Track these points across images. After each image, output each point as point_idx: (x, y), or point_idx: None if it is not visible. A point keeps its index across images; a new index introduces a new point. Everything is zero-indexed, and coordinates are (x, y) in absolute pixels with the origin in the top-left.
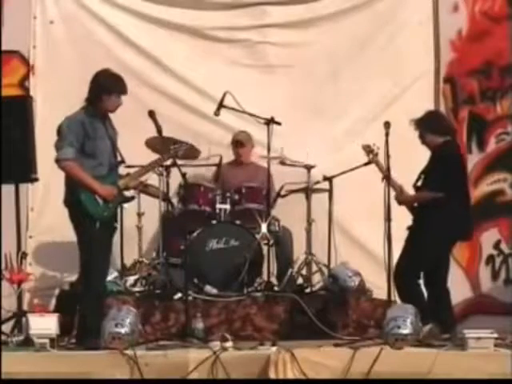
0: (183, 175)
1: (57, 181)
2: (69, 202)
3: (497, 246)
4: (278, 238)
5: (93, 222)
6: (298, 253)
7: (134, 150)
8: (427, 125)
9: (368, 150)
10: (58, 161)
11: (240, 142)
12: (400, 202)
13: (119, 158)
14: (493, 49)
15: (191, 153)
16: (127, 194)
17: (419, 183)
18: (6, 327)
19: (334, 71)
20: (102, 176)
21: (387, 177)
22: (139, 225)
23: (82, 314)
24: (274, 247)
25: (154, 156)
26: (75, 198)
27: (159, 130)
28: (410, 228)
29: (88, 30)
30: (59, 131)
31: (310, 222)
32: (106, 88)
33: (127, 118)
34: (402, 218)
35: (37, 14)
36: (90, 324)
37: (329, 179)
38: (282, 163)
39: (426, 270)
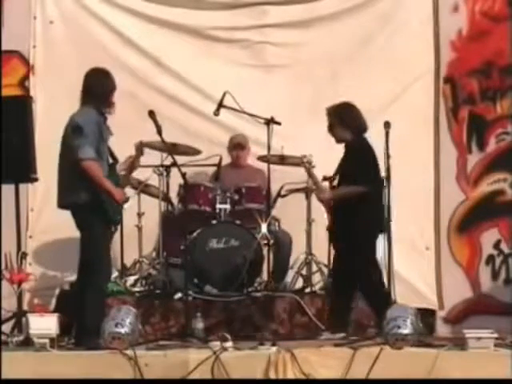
0: (183, 175)
1: (57, 181)
2: (84, 202)
3: (497, 245)
4: (277, 239)
5: (108, 225)
6: (298, 253)
7: (133, 148)
8: (340, 116)
9: (305, 160)
10: (80, 160)
11: (240, 145)
12: (323, 200)
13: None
14: (493, 49)
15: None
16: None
17: (335, 183)
18: (6, 327)
19: (334, 71)
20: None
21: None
22: (139, 225)
23: (86, 315)
24: (273, 248)
25: (153, 156)
26: (96, 199)
27: (159, 130)
28: (331, 229)
29: (88, 30)
30: (77, 129)
31: (310, 221)
32: (114, 87)
33: (127, 118)
34: (402, 218)
35: (37, 14)
36: (91, 324)
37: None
38: (282, 160)
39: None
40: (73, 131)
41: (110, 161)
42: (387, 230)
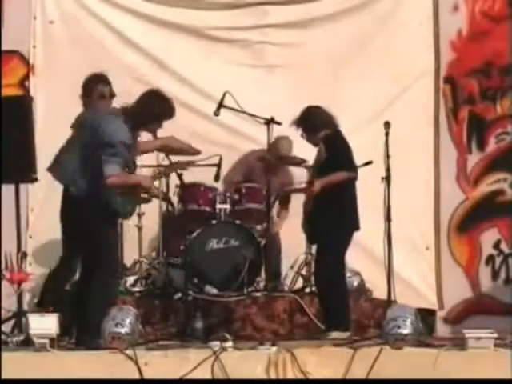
0: (179, 175)
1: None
2: (97, 201)
3: (497, 245)
4: (270, 241)
5: (113, 218)
6: (298, 253)
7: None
8: (305, 123)
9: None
10: (106, 177)
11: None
12: (310, 194)
13: None
14: (493, 49)
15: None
16: None
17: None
18: (6, 327)
19: (334, 71)
20: None
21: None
22: (139, 225)
23: (90, 313)
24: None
25: (153, 156)
26: (96, 191)
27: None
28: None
29: (88, 30)
30: (108, 143)
31: None
32: (167, 115)
33: None
34: (402, 218)
35: (37, 14)
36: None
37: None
38: (282, 160)
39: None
40: (104, 144)
41: None
42: (387, 230)
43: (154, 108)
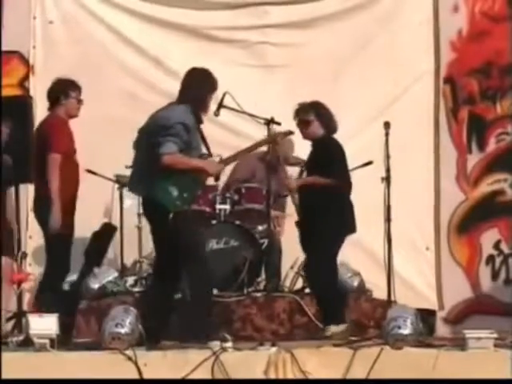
0: None
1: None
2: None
3: (497, 246)
4: (270, 242)
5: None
6: (298, 253)
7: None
8: (318, 112)
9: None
10: (161, 154)
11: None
12: (289, 188)
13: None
14: (493, 49)
15: None
16: None
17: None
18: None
19: (334, 71)
20: None
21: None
22: (139, 225)
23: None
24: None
25: None
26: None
27: None
28: (300, 224)
29: (88, 30)
30: (162, 127)
31: None
32: (213, 89)
33: (127, 118)
34: (402, 218)
35: (36, 15)
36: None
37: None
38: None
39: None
40: (158, 128)
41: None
42: (387, 231)
43: (201, 85)
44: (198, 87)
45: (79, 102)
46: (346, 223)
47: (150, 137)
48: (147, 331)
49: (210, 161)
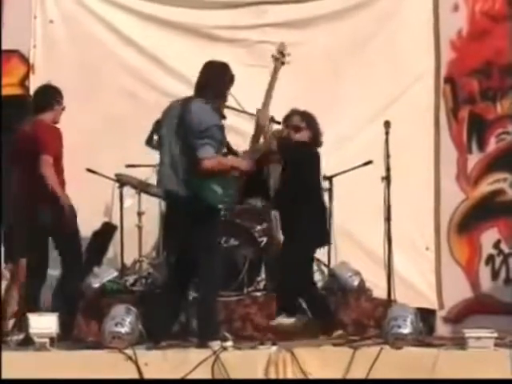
0: None
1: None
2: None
3: (497, 245)
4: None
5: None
6: None
7: (134, 148)
8: (310, 121)
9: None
10: (201, 160)
11: None
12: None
13: None
14: (493, 48)
15: None
16: None
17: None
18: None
19: (334, 71)
20: None
21: None
22: (139, 224)
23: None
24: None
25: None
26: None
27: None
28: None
29: (88, 29)
30: (201, 130)
31: None
32: (231, 79)
33: (127, 118)
34: (402, 218)
35: (37, 14)
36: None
37: (329, 178)
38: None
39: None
40: (195, 130)
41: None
42: (387, 230)
43: (219, 79)
44: (217, 82)
45: (63, 109)
46: (320, 231)
47: (184, 138)
48: (151, 330)
49: (240, 158)
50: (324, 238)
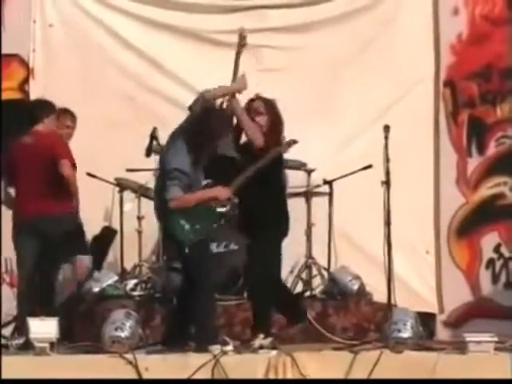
0: None
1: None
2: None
3: (497, 249)
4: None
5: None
6: (298, 256)
7: (133, 152)
8: (270, 106)
9: None
10: (168, 201)
11: None
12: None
13: None
14: (493, 52)
15: None
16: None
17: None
18: (6, 331)
19: (334, 75)
20: None
21: None
22: (139, 229)
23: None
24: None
25: (152, 160)
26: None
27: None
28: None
29: (87, 33)
30: (168, 170)
31: (309, 225)
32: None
33: (127, 122)
34: (402, 222)
35: (36, 18)
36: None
37: (329, 183)
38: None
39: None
40: (165, 168)
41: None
42: (387, 234)
43: (213, 126)
44: (203, 133)
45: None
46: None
47: (161, 170)
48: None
49: (218, 188)
50: (288, 228)
